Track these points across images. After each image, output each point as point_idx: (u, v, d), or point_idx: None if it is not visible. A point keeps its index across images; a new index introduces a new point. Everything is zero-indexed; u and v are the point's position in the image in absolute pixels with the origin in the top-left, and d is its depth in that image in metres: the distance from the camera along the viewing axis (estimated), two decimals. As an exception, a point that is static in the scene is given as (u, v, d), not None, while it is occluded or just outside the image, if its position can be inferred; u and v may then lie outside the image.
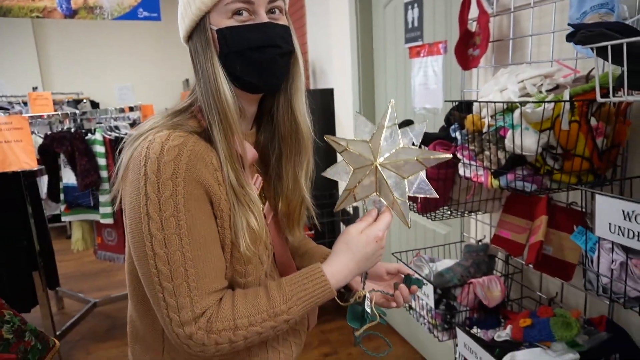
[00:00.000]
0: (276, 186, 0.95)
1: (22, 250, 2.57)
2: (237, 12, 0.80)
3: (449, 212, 1.57)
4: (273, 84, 0.86)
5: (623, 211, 0.82)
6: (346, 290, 1.07)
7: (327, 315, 2.92)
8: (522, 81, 1.14)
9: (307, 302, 0.81)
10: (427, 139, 1.59)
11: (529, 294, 1.57)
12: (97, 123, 3.25)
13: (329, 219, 3.26)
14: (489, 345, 1.31)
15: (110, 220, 2.87)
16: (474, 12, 1.55)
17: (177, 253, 0.74)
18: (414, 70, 2.33)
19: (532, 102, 1.02)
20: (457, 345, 1.45)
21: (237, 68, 0.82)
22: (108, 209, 2.84)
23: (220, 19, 0.80)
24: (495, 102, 1.10)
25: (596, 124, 1.08)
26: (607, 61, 0.82)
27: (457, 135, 1.30)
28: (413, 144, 0.83)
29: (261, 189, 0.95)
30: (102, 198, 2.84)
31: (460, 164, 1.31)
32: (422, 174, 0.82)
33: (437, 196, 0.80)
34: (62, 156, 2.84)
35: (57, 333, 2.75)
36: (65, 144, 2.78)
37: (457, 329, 1.38)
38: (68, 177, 2.85)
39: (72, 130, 2.89)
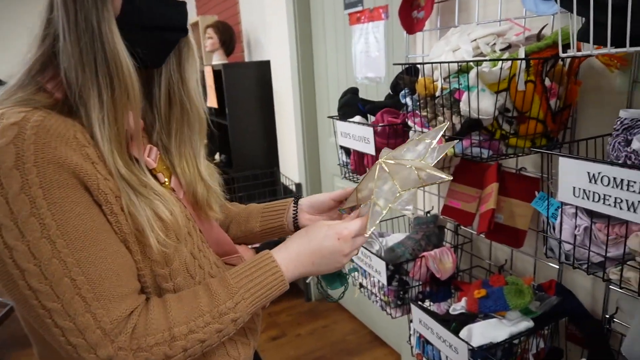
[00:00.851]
0: (173, 163, 0.80)
1: None
2: None
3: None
4: (161, 64, 0.74)
5: (589, 173, 0.77)
6: None
7: (273, 297, 2.83)
8: (475, 40, 1.06)
9: (257, 295, 0.69)
10: (374, 108, 1.50)
11: (479, 263, 1.56)
12: None
13: (272, 198, 3.13)
14: (444, 320, 1.27)
15: None
16: (418, -30, 1.46)
17: (53, 261, 0.57)
18: (354, 37, 2.22)
19: (489, 60, 0.95)
20: (411, 322, 1.40)
21: (138, 43, 0.65)
22: None
23: None
24: (449, 63, 1.01)
25: (550, 84, 1.03)
26: (572, 12, 0.75)
27: (408, 101, 1.21)
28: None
29: (159, 159, 0.78)
30: None
31: (411, 132, 1.23)
32: (412, 194, 0.74)
33: (410, 216, 0.71)
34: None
35: (-31, 341, 2.44)
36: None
37: (412, 305, 1.33)
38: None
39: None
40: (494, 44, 1.07)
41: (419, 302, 1.51)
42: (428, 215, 1.63)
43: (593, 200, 0.77)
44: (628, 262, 0.76)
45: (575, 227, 0.82)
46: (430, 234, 1.55)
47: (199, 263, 0.77)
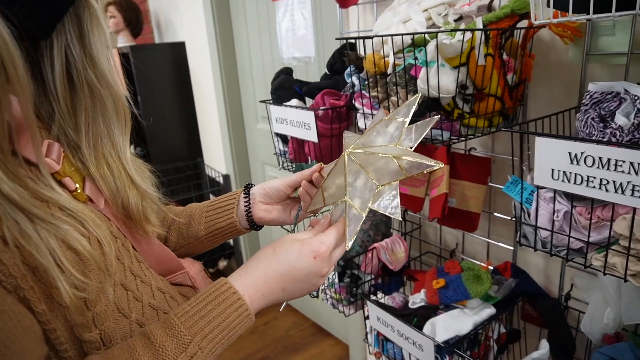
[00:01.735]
0: (86, 164, 0.61)
1: None
2: None
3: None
4: (49, 33, 0.54)
5: (570, 154, 0.70)
6: None
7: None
8: (426, 10, 0.96)
9: (217, 340, 0.53)
10: (312, 90, 1.36)
11: (428, 248, 1.50)
12: None
13: (198, 193, 2.89)
14: (404, 315, 1.19)
15: None
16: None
17: None
18: (278, 15, 2.05)
19: (448, 31, 0.84)
20: (367, 319, 1.31)
21: (15, 2, 0.46)
22: None
23: None
24: (402, 35, 0.90)
25: (507, 58, 0.96)
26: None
27: (354, 80, 1.09)
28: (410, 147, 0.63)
29: (64, 159, 0.58)
30: None
31: (359, 115, 1.11)
32: (396, 189, 0.60)
33: (400, 219, 0.59)
34: None
35: None
36: None
37: (368, 302, 1.23)
38: None
39: None
40: (446, 14, 0.97)
41: (372, 297, 1.43)
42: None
43: (575, 183, 0.70)
44: (613, 247, 0.70)
45: (554, 212, 0.75)
46: (378, 223, 1.47)
47: (134, 295, 0.59)
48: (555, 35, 0.99)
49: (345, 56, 1.25)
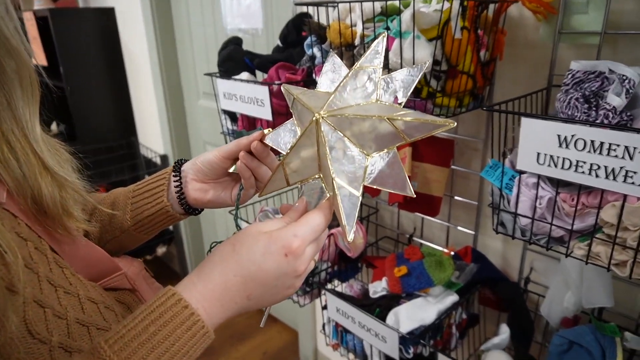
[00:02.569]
0: None
1: None
2: None
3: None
4: None
5: (559, 136, 0.65)
6: None
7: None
8: (398, -24, 0.87)
9: None
10: (265, 63, 1.24)
11: (385, 233, 1.45)
12: None
13: (133, 175, 2.66)
14: (365, 305, 1.13)
15: None
16: None
17: None
18: (223, -20, 1.88)
19: (427, -2, 0.76)
20: (324, 309, 1.24)
21: None
22: None
23: None
24: (373, 1, 0.80)
25: (481, 32, 0.90)
26: None
27: (316, 52, 0.98)
28: (399, 104, 0.50)
29: None
30: None
31: (320, 89, 1.00)
32: (396, 158, 0.48)
33: (414, 195, 0.47)
34: None
35: None
36: None
37: (327, 293, 1.16)
38: None
39: None
40: (419, -19, 0.89)
41: (329, 285, 1.36)
42: (327, 185, 1.46)
43: (562, 168, 0.66)
44: (597, 235, 0.67)
45: (537, 198, 0.70)
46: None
47: (54, 312, 0.46)
48: (526, 11, 0.94)
49: (301, 27, 1.14)
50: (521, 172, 0.72)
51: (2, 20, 0.45)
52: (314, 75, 1.03)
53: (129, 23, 2.48)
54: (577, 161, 0.64)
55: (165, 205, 0.66)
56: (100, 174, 2.56)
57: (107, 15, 2.56)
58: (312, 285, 1.29)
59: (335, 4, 0.87)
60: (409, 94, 0.50)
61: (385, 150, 0.48)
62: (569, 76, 0.75)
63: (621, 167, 0.60)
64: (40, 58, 2.75)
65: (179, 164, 0.68)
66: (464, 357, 1.23)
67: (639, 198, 0.62)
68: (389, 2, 0.81)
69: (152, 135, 2.67)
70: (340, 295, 1.15)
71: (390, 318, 1.05)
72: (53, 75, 2.67)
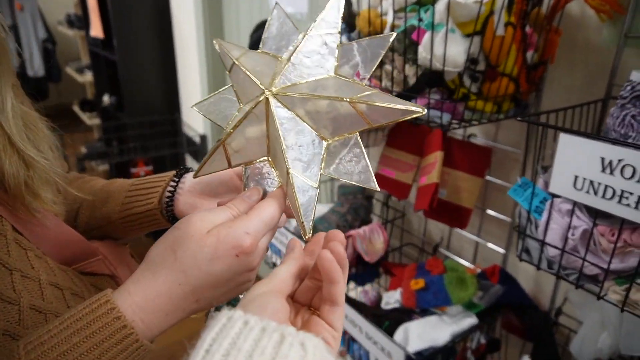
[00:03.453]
0: None
1: None
2: None
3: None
4: None
5: (603, 159, 0.54)
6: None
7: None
8: (440, -39, 0.77)
9: None
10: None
11: (410, 240, 1.37)
12: None
13: (172, 152, 2.70)
14: (375, 315, 1.06)
15: None
16: None
17: None
18: (272, -39, 1.83)
19: (467, -13, 0.67)
20: (334, 313, 1.18)
21: None
22: None
23: None
24: (406, -12, 0.72)
25: (530, 30, 0.79)
26: None
27: (344, 39, 0.90)
28: (362, 78, 0.43)
29: None
30: None
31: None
32: (358, 145, 0.41)
33: (378, 189, 0.41)
34: None
35: None
36: None
37: (337, 297, 1.09)
38: None
39: None
40: (463, -31, 0.79)
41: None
42: (355, 182, 1.39)
43: (604, 197, 0.55)
44: (638, 281, 0.56)
45: (569, 228, 0.60)
46: (357, 206, 1.32)
47: (2, 296, 0.43)
48: (590, 9, 0.82)
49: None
50: (554, 196, 0.62)
51: None
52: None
53: (181, 0, 2.49)
54: (623, 191, 0.54)
55: (153, 208, 0.61)
56: (142, 147, 2.61)
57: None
58: (325, 286, 1.23)
59: (367, -11, 0.79)
60: (373, 68, 0.42)
61: (346, 136, 0.41)
62: (628, 88, 0.63)
63: (677, 205, 0.50)
64: (97, 30, 2.84)
65: (181, 171, 0.64)
66: (479, 383, 1.14)
67: (696, 243, 0.51)
68: (424, -10, 0.72)
69: (195, 113, 2.69)
70: (351, 302, 1.09)
71: (399, 334, 0.98)
72: (109, 48, 2.75)
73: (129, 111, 2.67)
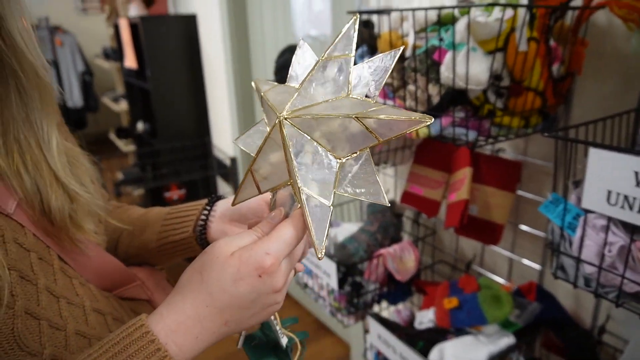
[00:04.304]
0: None
1: None
2: None
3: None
4: None
5: (637, 173, 0.53)
6: None
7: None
8: (459, -19, 0.78)
9: None
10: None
11: (442, 257, 1.35)
12: None
13: (203, 174, 2.77)
14: (409, 335, 1.04)
15: None
16: None
17: None
18: (294, -13, 1.88)
19: (487, 5, 0.67)
20: (367, 332, 1.17)
21: None
22: None
23: None
24: (426, 9, 0.73)
25: (554, 44, 0.78)
26: None
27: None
28: (367, 96, 0.44)
29: None
30: None
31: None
32: (369, 162, 0.43)
33: (387, 204, 0.42)
34: None
35: None
36: None
37: (369, 318, 1.09)
38: None
39: None
40: (483, -13, 0.80)
41: (376, 305, 1.29)
42: (383, 200, 1.39)
43: (639, 212, 0.54)
44: (683, 298, 0.54)
45: (605, 244, 0.59)
46: (387, 225, 1.31)
47: (50, 323, 0.46)
48: (617, 18, 0.80)
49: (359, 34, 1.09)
50: (587, 212, 0.61)
51: (20, 36, 0.45)
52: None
53: (209, 29, 2.59)
54: (659, 205, 0.52)
55: (189, 236, 0.64)
56: (174, 172, 2.69)
57: (190, 22, 2.69)
58: (357, 306, 1.23)
59: (388, 12, 0.81)
60: (381, 86, 0.44)
61: (357, 153, 0.42)
62: (660, 99, 0.62)
63: None
64: (131, 61, 2.97)
65: (215, 199, 0.66)
66: (521, 405, 1.10)
67: None
68: (444, 10, 0.73)
69: (224, 136, 2.76)
70: (384, 322, 1.08)
71: (435, 355, 0.96)
72: (141, 78, 2.87)
73: (161, 137, 2.77)
